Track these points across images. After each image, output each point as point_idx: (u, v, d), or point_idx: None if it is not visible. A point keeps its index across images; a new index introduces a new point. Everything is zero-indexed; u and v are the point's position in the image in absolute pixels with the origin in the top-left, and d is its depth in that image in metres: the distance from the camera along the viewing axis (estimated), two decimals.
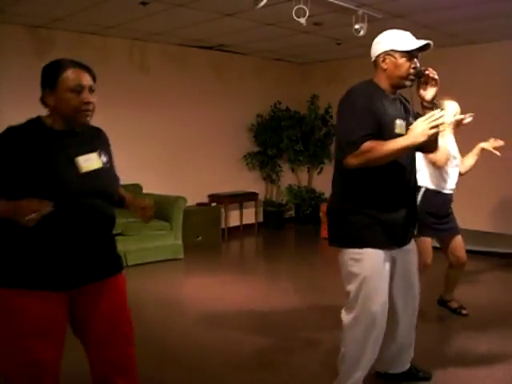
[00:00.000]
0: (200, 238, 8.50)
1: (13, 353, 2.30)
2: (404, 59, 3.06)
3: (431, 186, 4.62)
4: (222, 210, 9.09)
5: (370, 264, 3.12)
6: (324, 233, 9.09)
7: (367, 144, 2.91)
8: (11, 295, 2.28)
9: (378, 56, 3.16)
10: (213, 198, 9.13)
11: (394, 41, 3.10)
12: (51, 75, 2.38)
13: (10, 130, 2.31)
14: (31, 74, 7.46)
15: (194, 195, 8.74)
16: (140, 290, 6.00)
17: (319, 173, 10.29)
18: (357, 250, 3.14)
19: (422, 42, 3.04)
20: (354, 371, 3.28)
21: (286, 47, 8.91)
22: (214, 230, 8.79)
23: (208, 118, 9.18)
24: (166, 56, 8.60)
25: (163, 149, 8.51)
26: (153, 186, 8.09)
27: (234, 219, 9.62)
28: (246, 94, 9.78)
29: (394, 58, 3.08)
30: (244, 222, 9.84)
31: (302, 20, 5.87)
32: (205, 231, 8.59)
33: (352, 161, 2.95)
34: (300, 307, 5.51)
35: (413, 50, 3.06)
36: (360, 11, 6.31)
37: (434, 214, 4.61)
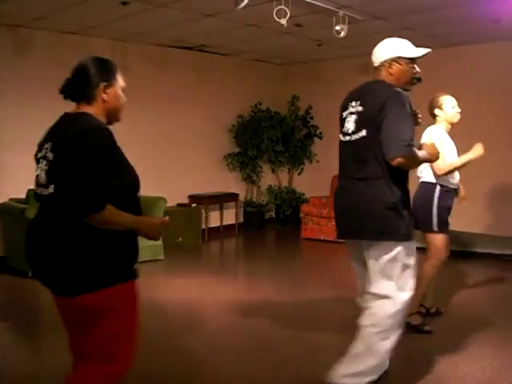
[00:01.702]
0: (180, 239, 8.48)
1: (132, 339, 2.49)
2: (408, 65, 3.38)
3: (443, 183, 4.68)
4: (203, 210, 9.08)
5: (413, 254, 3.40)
6: (305, 233, 9.12)
7: (425, 151, 3.36)
8: (130, 287, 2.42)
9: (383, 61, 3.41)
10: (193, 198, 9.11)
11: (400, 48, 3.39)
12: (110, 71, 2.47)
13: (104, 126, 2.36)
14: (11, 74, 7.40)
15: (175, 196, 8.72)
16: None
17: (299, 173, 10.32)
18: (410, 244, 3.34)
19: (425, 51, 3.38)
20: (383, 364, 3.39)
21: (267, 48, 8.93)
22: (195, 230, 8.77)
23: (188, 118, 9.16)
24: (146, 56, 8.56)
25: (143, 149, 8.46)
26: None
27: (214, 220, 9.61)
28: (227, 95, 9.77)
29: (400, 64, 3.37)
30: (224, 223, 9.83)
31: (283, 21, 5.88)
32: (185, 232, 8.57)
33: (404, 161, 3.14)
34: (281, 306, 5.52)
35: (417, 58, 3.39)
36: (341, 13, 6.34)
37: (448, 208, 4.75)
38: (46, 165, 2.32)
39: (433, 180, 4.65)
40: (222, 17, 6.72)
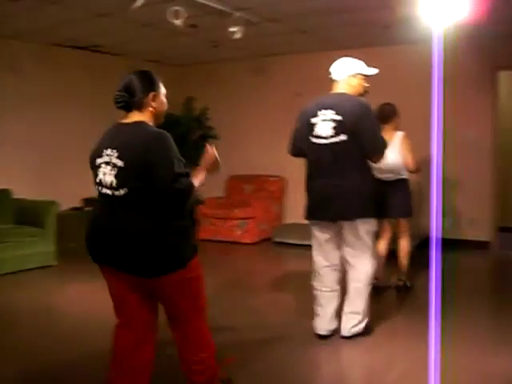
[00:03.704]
0: (74, 244, 8.20)
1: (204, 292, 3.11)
2: (363, 80, 4.35)
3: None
4: None
5: None
6: (203, 234, 9.05)
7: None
8: (197, 259, 2.99)
9: (346, 76, 4.29)
10: (87, 202, 8.85)
11: (359, 66, 4.32)
12: (155, 81, 3.05)
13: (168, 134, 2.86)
14: None
15: (68, 199, 8.43)
16: (11, 299, 5.75)
17: None
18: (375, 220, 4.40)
19: (376, 70, 4.37)
20: None
21: (163, 49, 8.82)
22: None
23: (81, 119, 8.86)
24: (37, 56, 8.22)
25: (35, 152, 8.14)
26: (24, 190, 7.69)
27: None
28: None
29: (358, 79, 4.31)
30: None
31: (178, 22, 5.84)
32: (79, 237, 8.26)
33: (379, 159, 4.31)
34: None
35: (371, 75, 4.36)
36: (236, 14, 6.36)
37: None
38: (112, 170, 2.80)
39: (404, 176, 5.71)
40: (115, 16, 6.56)
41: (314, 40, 7.64)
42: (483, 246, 8.09)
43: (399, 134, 5.65)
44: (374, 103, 6.75)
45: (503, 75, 8.64)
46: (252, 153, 9.84)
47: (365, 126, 4.13)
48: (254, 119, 9.81)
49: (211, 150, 3.16)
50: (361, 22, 6.90)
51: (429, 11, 4.52)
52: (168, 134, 2.83)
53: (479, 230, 8.17)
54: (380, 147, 4.26)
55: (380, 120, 5.58)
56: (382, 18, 6.64)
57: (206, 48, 8.60)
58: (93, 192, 2.95)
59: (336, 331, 4.46)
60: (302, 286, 5.46)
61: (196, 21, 6.71)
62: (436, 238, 3.76)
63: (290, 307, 5.52)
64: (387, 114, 5.72)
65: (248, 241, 8.71)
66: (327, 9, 6.27)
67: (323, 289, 4.45)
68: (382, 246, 5.85)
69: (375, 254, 4.52)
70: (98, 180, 2.89)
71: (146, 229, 2.76)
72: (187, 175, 2.81)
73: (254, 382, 3.73)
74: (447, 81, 7.15)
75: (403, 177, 5.68)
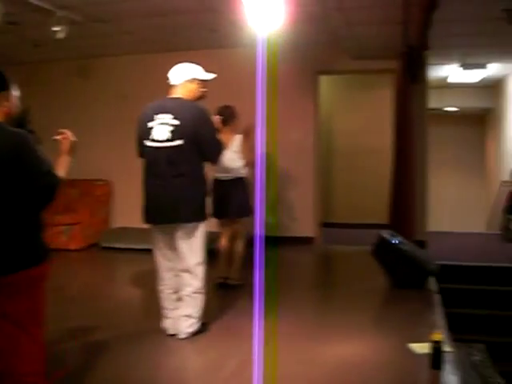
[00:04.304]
0: None
1: None
2: (200, 85, 4.46)
3: None
4: None
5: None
6: None
7: None
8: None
9: (183, 81, 4.39)
10: None
11: (196, 71, 4.45)
12: (7, 81, 3.17)
13: None
14: None
15: None
16: None
17: None
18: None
19: (213, 75, 4.53)
20: None
21: None
22: None
23: None
24: None
25: None
26: None
27: None
28: None
29: (195, 84, 4.44)
30: None
31: None
32: None
33: (217, 161, 4.65)
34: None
35: (207, 80, 4.50)
36: (59, 13, 6.15)
37: None
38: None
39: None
40: None
41: (140, 42, 7.58)
42: (308, 241, 8.54)
43: (238, 137, 5.87)
44: (207, 105, 6.92)
45: (323, 79, 9.19)
46: (77, 156, 9.51)
47: (203, 131, 4.29)
48: (78, 122, 9.48)
49: (66, 133, 3.24)
50: (187, 25, 6.97)
51: (254, 16, 4.70)
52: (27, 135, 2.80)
53: (304, 226, 8.60)
54: (218, 150, 4.49)
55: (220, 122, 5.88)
56: (207, 22, 6.76)
57: (27, 47, 8.19)
58: None
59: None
60: (134, 290, 5.42)
61: (16, 18, 6.38)
62: (261, 237, 3.94)
63: (134, 310, 5.52)
64: (227, 117, 5.88)
65: (74, 247, 8.39)
66: (152, 10, 6.27)
67: (167, 291, 4.48)
68: (224, 244, 5.99)
69: (206, 259, 4.51)
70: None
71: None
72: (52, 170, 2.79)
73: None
74: (274, 85, 7.51)
75: (242, 176, 5.87)
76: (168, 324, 4.49)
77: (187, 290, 4.37)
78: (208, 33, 7.36)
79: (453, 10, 5.78)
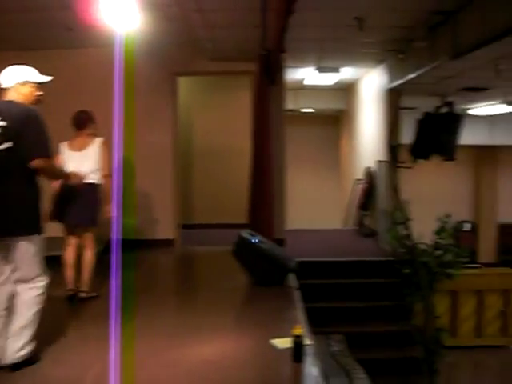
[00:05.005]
0: None
1: None
2: (34, 88, 4.15)
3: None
4: None
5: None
6: None
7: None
8: None
9: (14, 84, 4.06)
10: None
11: (28, 74, 4.13)
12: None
13: None
14: None
15: None
16: None
17: None
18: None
19: (49, 78, 4.23)
20: None
21: None
22: None
23: None
24: None
25: None
26: None
27: None
28: None
29: (28, 87, 4.11)
30: None
31: None
32: None
33: (45, 164, 3.99)
34: None
35: (42, 83, 4.19)
36: None
37: None
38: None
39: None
40: None
41: None
42: (168, 243, 8.53)
43: (98, 140, 5.71)
44: (63, 106, 6.71)
45: (182, 80, 9.24)
46: None
47: (28, 132, 3.93)
48: None
49: None
50: (41, 23, 6.70)
51: (110, 16, 4.61)
52: None
53: (164, 228, 8.59)
54: (42, 153, 3.98)
55: (76, 127, 5.74)
56: (64, 20, 6.54)
57: None
58: None
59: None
60: None
61: None
62: (119, 241, 3.86)
63: None
64: (83, 121, 5.74)
65: None
66: (2, 7, 5.97)
67: None
68: (70, 254, 5.64)
69: (47, 270, 4.08)
70: None
71: None
72: None
73: None
74: (132, 85, 7.40)
75: (94, 182, 5.63)
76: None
77: (20, 312, 3.92)
78: (64, 31, 7.12)
79: (308, 16, 6.00)
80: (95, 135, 5.77)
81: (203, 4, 5.74)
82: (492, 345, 9.32)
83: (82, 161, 5.56)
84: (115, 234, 4.00)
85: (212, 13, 6.07)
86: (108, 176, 5.67)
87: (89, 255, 5.67)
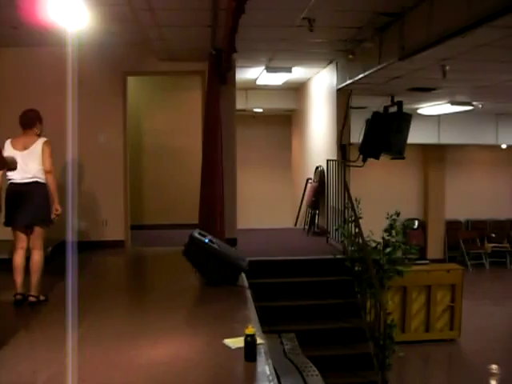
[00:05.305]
0: None
1: None
2: None
3: None
4: None
5: None
6: None
7: None
8: None
9: None
10: None
11: None
12: None
13: None
14: None
15: None
16: None
17: None
18: None
19: None
20: None
21: None
22: None
23: None
24: None
25: None
26: None
27: None
28: None
29: None
30: None
31: None
32: None
33: None
34: None
35: None
36: None
37: None
38: None
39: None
40: None
41: None
42: (119, 244, 8.45)
43: (41, 140, 5.62)
44: (13, 107, 6.60)
45: (133, 80, 9.14)
46: None
47: None
48: None
49: None
50: None
51: (59, 14, 4.53)
52: None
53: (114, 229, 8.51)
54: None
55: (22, 126, 5.66)
56: (8, 18, 6.39)
57: None
58: None
59: None
60: None
61: None
62: (70, 243, 3.81)
63: None
64: (29, 120, 5.66)
65: None
66: None
67: None
68: (19, 257, 5.49)
69: None
70: None
71: None
72: None
73: None
74: (83, 85, 7.32)
75: (40, 181, 5.53)
76: None
77: None
78: (9, 29, 6.96)
79: (258, 16, 6.02)
80: (40, 135, 5.69)
81: (154, 3, 5.70)
82: (440, 339, 9.55)
83: (26, 160, 5.47)
84: (66, 236, 3.94)
85: (163, 12, 6.02)
86: (49, 172, 5.56)
87: (37, 257, 5.51)
